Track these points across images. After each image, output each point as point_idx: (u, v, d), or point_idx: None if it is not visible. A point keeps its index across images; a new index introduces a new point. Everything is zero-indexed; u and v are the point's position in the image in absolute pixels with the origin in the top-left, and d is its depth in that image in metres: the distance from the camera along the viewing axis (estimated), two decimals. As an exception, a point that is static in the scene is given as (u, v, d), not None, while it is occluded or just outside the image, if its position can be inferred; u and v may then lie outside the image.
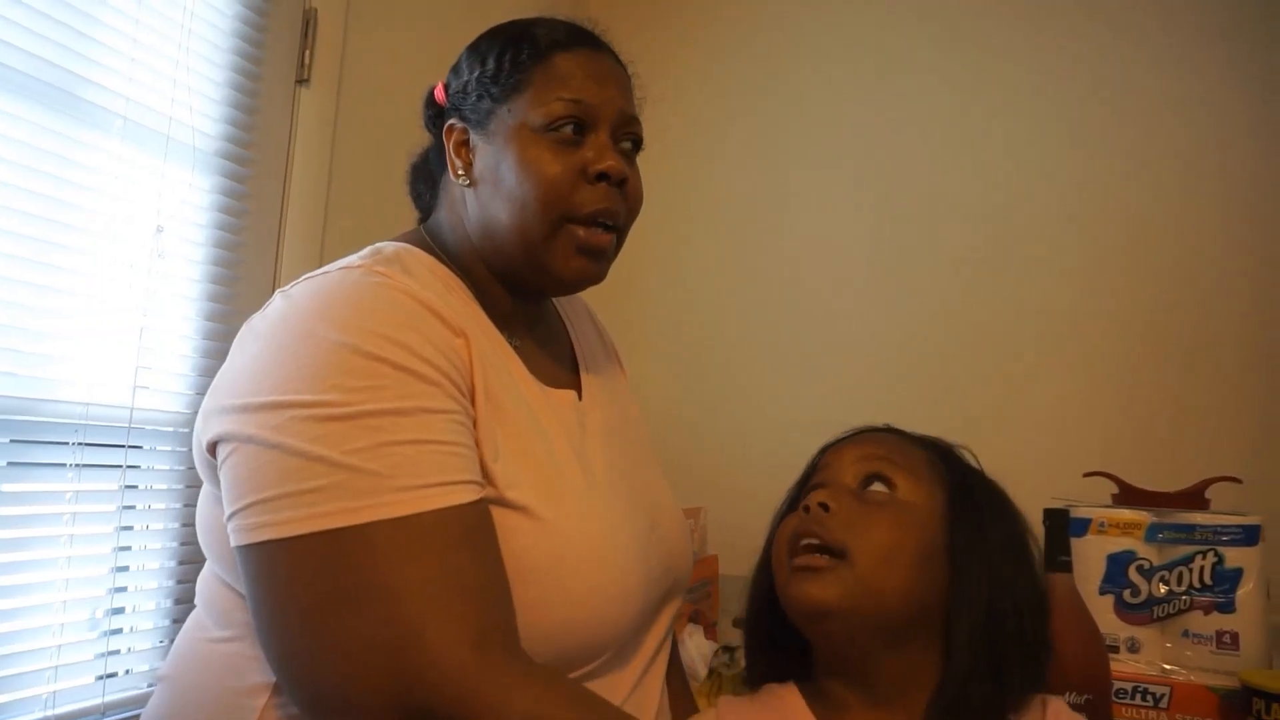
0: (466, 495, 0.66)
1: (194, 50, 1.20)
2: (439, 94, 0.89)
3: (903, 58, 1.76)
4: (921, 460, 0.78)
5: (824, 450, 0.83)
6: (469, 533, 0.66)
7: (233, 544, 0.66)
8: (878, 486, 0.75)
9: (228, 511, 0.67)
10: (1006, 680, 0.71)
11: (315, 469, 0.63)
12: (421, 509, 0.64)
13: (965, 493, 0.77)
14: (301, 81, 1.37)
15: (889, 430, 0.83)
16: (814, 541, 0.72)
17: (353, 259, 0.76)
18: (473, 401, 0.72)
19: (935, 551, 0.74)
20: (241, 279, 1.28)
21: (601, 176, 0.80)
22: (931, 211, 1.69)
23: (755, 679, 0.82)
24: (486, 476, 0.71)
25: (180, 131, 1.18)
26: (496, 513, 0.71)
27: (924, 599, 0.73)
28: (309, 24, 1.38)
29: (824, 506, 0.73)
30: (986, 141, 1.67)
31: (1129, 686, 1.10)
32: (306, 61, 1.37)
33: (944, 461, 0.79)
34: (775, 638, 0.79)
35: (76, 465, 1.04)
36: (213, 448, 0.69)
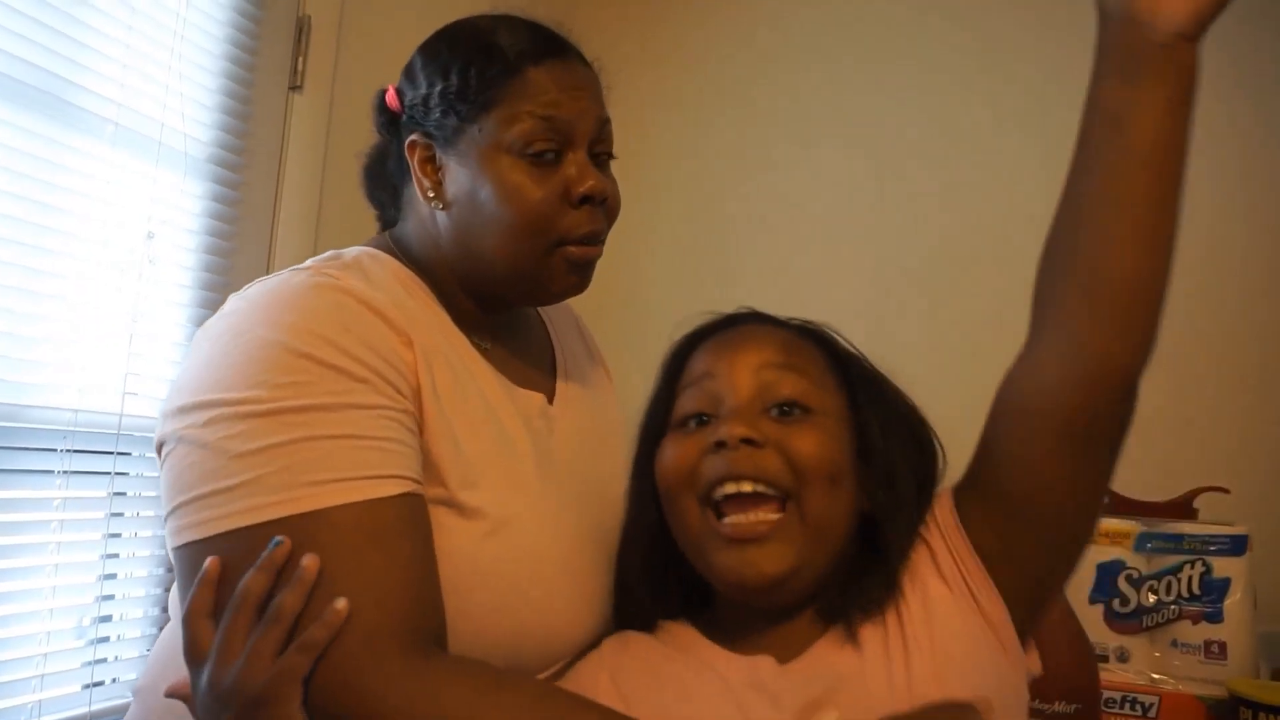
0: (386, 490, 0.65)
1: (186, 56, 1.20)
2: (391, 100, 0.85)
3: (896, 54, 1.76)
4: (813, 356, 0.72)
5: (692, 346, 0.73)
6: (383, 528, 0.64)
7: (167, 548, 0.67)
8: (797, 413, 0.67)
9: (163, 516, 0.67)
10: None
11: (232, 467, 0.63)
12: (331, 503, 0.63)
13: (859, 382, 0.72)
14: (294, 87, 1.37)
15: (760, 318, 0.76)
16: (745, 488, 0.63)
17: (308, 262, 0.76)
18: (420, 402, 0.71)
19: (853, 458, 0.68)
20: (233, 285, 1.26)
21: (585, 199, 0.78)
22: (923, 214, 1.70)
23: (637, 623, 0.74)
24: (440, 475, 0.70)
25: (172, 137, 1.17)
26: (446, 514, 0.70)
27: (852, 516, 0.68)
28: (302, 30, 1.37)
29: (751, 443, 0.63)
30: (978, 143, 1.67)
31: (1118, 696, 1.10)
32: (299, 68, 1.37)
33: (824, 348, 0.73)
34: (664, 578, 0.72)
35: (64, 472, 1.04)
36: (159, 451, 0.70)
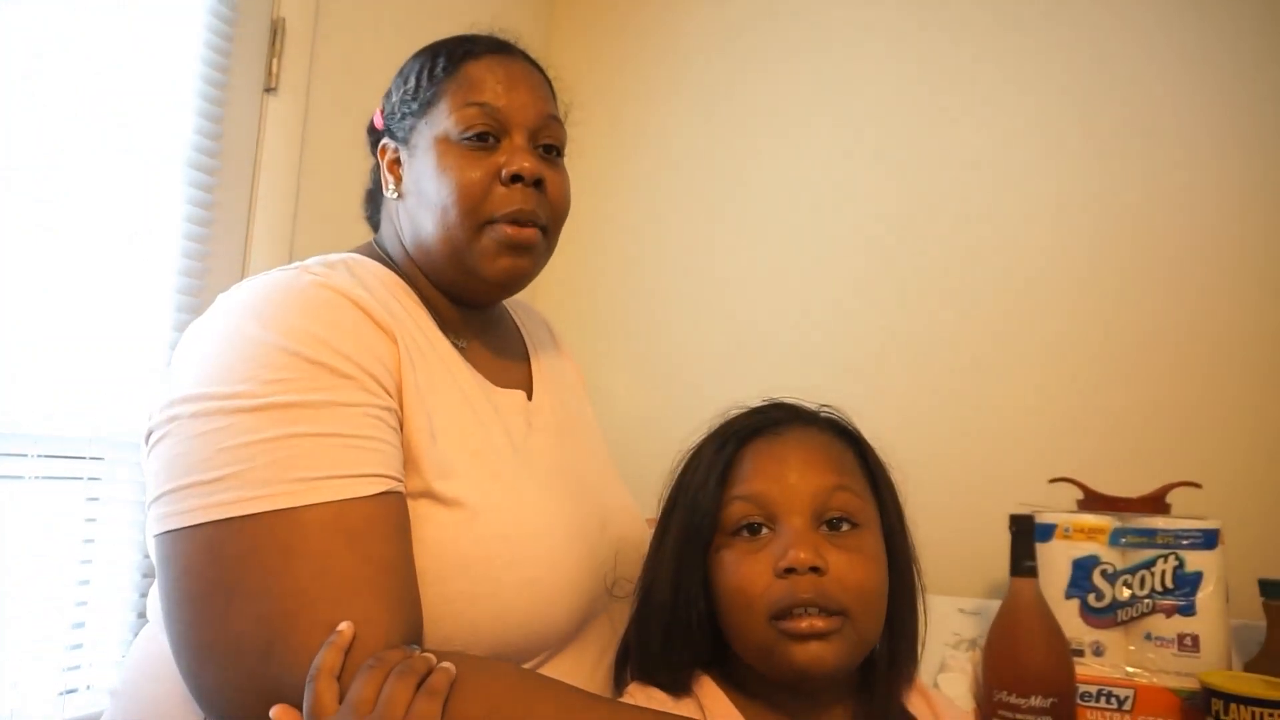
0: (365, 489, 0.66)
1: (161, 57, 1.19)
2: (377, 120, 0.92)
3: (881, 53, 1.78)
4: (856, 467, 0.78)
5: (738, 444, 0.77)
6: (360, 526, 0.65)
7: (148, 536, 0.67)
8: (845, 527, 0.74)
9: (146, 505, 0.68)
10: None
11: (218, 459, 0.64)
12: (311, 501, 0.64)
13: (885, 490, 0.79)
14: (269, 90, 1.36)
15: (799, 418, 0.79)
16: (812, 613, 0.70)
17: (295, 263, 0.78)
18: (401, 398, 0.73)
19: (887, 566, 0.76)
20: (208, 288, 1.26)
21: (515, 178, 0.82)
22: (896, 215, 1.71)
23: (658, 679, 0.76)
24: (418, 466, 0.72)
25: (147, 140, 1.17)
26: (426, 504, 0.71)
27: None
28: (277, 33, 1.37)
29: (817, 571, 0.70)
30: (951, 146, 1.69)
31: (1094, 689, 1.11)
32: (274, 70, 1.36)
33: (864, 459, 0.79)
34: (698, 637, 0.76)
35: (37, 478, 1.03)
36: (148, 440, 0.70)
